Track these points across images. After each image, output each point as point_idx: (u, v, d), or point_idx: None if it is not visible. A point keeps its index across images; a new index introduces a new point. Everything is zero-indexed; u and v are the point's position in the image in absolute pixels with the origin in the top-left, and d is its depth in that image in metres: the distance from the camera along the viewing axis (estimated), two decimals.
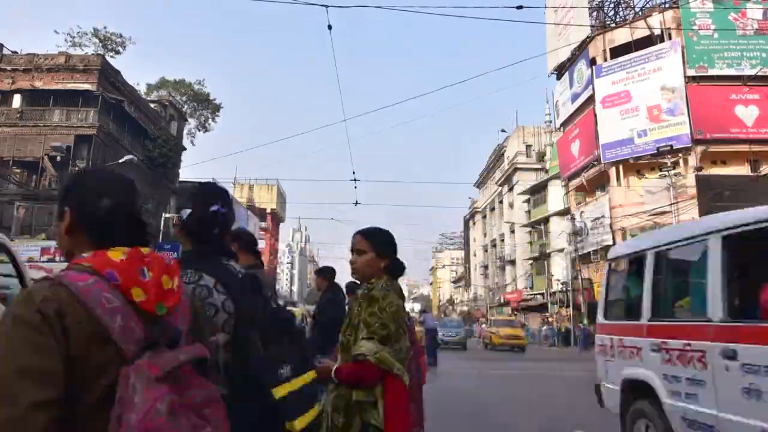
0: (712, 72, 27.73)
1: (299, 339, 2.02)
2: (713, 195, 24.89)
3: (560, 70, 36.11)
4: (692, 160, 27.21)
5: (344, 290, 5.61)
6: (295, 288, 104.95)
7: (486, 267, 60.22)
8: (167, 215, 27.54)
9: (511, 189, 48.75)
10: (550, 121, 46.14)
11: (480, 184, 65.69)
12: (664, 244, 4.22)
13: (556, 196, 39.45)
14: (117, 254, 1.05)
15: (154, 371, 0.95)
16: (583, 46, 32.73)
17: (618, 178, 29.94)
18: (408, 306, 13.58)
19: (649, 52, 29.01)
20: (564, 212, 36.64)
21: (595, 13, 33.75)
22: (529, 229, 44.29)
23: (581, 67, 32.95)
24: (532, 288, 43.00)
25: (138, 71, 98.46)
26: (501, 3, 33.51)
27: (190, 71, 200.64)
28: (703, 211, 25.58)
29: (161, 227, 27.13)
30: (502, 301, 51.36)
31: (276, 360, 1.70)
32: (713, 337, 3.33)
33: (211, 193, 1.74)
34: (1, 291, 4.90)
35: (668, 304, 4.28)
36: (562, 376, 14.78)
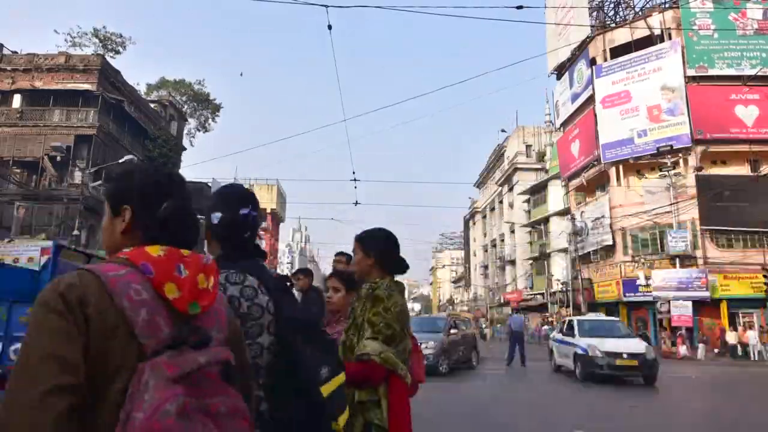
0: (712, 72, 27.73)
1: (329, 341, 2.02)
2: (713, 195, 24.91)
3: (560, 70, 36.10)
4: (692, 160, 27.21)
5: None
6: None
7: (486, 267, 60.21)
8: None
9: (511, 189, 48.74)
10: (550, 121, 46.14)
11: (480, 184, 65.68)
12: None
13: (556, 196, 39.44)
14: (155, 250, 1.03)
15: (171, 371, 0.91)
16: (583, 46, 32.73)
17: (618, 178, 29.94)
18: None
19: (649, 52, 29.01)
20: (564, 212, 36.63)
21: (595, 13, 33.76)
22: (529, 229, 44.28)
23: (581, 67, 32.95)
24: (532, 288, 42.99)
25: (138, 71, 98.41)
26: (501, 3, 33.50)
27: (190, 71, 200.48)
28: (703, 211, 25.64)
29: None
30: (502, 301, 51.36)
31: (316, 361, 1.70)
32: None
33: (241, 197, 1.73)
34: None
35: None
36: (562, 375, 14.76)
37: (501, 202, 53.12)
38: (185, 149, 39.20)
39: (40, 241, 24.76)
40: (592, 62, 31.60)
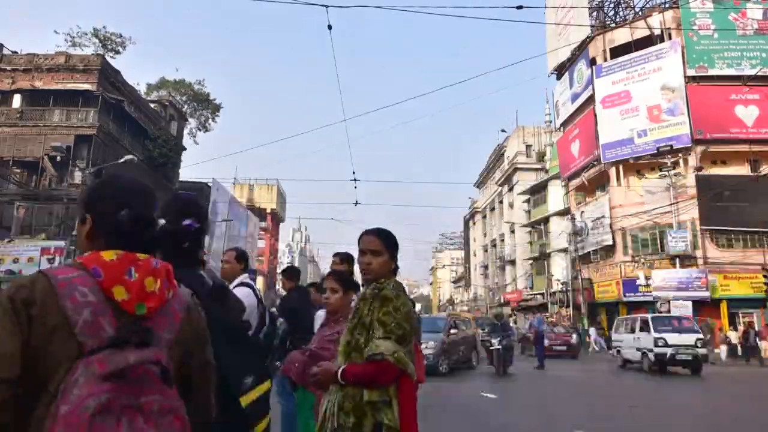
0: (712, 72, 27.73)
1: (258, 349, 2.03)
2: (713, 195, 24.91)
3: (560, 70, 36.10)
4: (692, 160, 27.21)
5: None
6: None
7: (486, 267, 60.19)
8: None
9: (511, 189, 48.72)
10: (550, 121, 46.12)
11: (480, 184, 65.66)
12: None
13: (556, 196, 39.42)
14: (109, 255, 1.11)
15: (101, 368, 0.97)
16: (583, 46, 32.72)
17: (618, 178, 29.94)
18: None
19: (649, 52, 29.00)
20: (564, 212, 36.62)
21: (595, 13, 33.75)
22: (529, 229, 44.26)
23: (581, 67, 32.94)
24: (532, 288, 42.97)
25: (138, 71, 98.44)
26: (501, 3, 33.53)
27: (190, 71, 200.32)
28: (703, 211, 25.64)
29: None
30: (502, 301, 51.35)
31: (242, 370, 1.71)
32: None
33: (185, 207, 1.72)
34: None
35: None
36: (562, 376, 14.77)
37: (501, 202, 53.10)
38: (185, 149, 39.20)
39: (40, 241, 24.73)
40: (592, 62, 31.59)
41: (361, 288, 2.48)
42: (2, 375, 0.96)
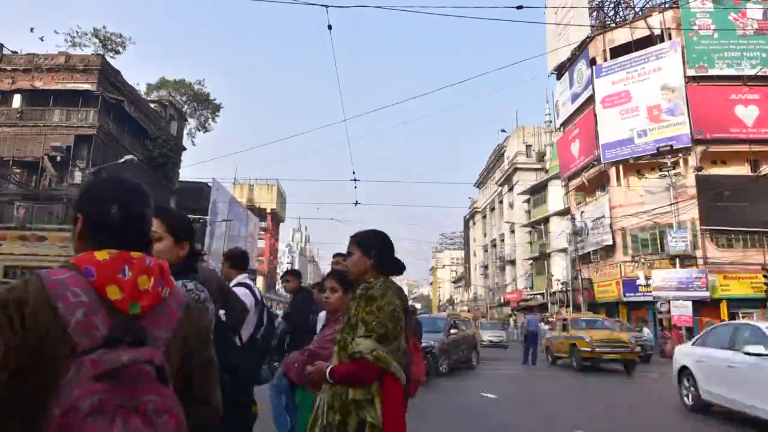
0: (712, 72, 27.72)
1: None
2: (713, 195, 24.91)
3: (560, 70, 36.09)
4: (692, 160, 27.21)
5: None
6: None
7: (486, 267, 60.20)
8: None
9: (511, 189, 48.72)
10: (550, 121, 46.12)
11: (480, 184, 65.66)
12: None
13: (556, 196, 39.43)
14: (102, 254, 1.10)
15: (94, 368, 0.97)
16: (583, 46, 32.72)
17: (618, 178, 29.94)
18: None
19: (649, 52, 29.00)
20: (564, 212, 36.62)
21: (595, 13, 33.74)
22: (529, 229, 44.26)
23: (581, 67, 32.94)
24: (532, 288, 42.98)
25: (138, 71, 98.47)
26: (501, 3, 33.52)
27: (190, 71, 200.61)
28: (703, 211, 25.64)
29: None
30: (502, 301, 51.36)
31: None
32: None
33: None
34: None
35: None
36: (562, 375, 14.77)
37: (501, 202, 53.11)
38: (185, 149, 39.21)
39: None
40: (592, 62, 31.59)
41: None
42: None
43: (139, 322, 1.09)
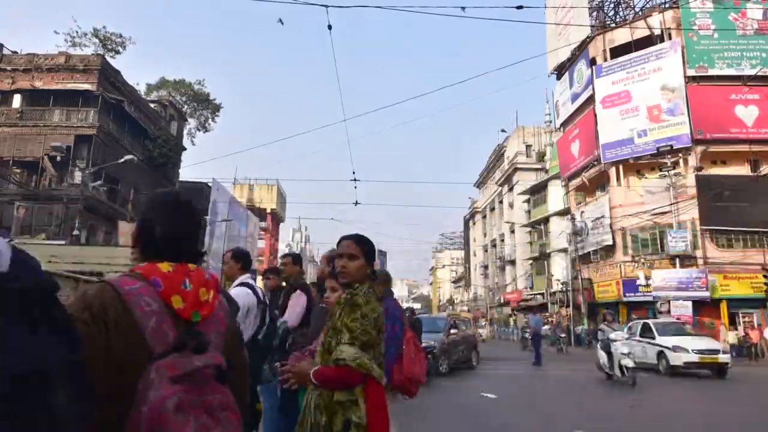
0: (712, 72, 27.72)
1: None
2: (713, 195, 24.91)
3: (560, 70, 36.09)
4: (692, 160, 27.21)
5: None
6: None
7: (486, 267, 60.20)
8: None
9: (511, 189, 48.72)
10: (550, 121, 46.11)
11: (480, 184, 65.66)
12: None
13: (556, 196, 39.43)
14: (165, 266, 1.23)
15: (172, 371, 1.09)
16: (583, 46, 32.72)
17: (618, 178, 29.94)
18: (406, 305, 13.65)
19: (649, 52, 29.00)
20: (564, 212, 36.62)
21: (595, 13, 33.75)
22: (529, 229, 44.26)
23: (581, 67, 32.94)
24: (532, 288, 42.98)
25: (138, 71, 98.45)
26: (501, 3, 33.50)
27: (190, 71, 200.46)
28: (703, 211, 25.64)
29: None
30: (502, 301, 51.35)
31: None
32: None
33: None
34: None
35: None
36: (562, 375, 14.77)
37: (501, 202, 53.11)
38: (185, 149, 39.20)
39: (40, 242, 24.76)
40: (592, 62, 31.59)
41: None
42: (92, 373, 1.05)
43: (198, 328, 1.22)
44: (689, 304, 24.06)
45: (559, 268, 36.91)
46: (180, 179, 37.33)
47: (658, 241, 27.52)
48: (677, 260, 25.70)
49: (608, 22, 33.31)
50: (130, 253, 1.40)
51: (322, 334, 2.24)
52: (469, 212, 69.95)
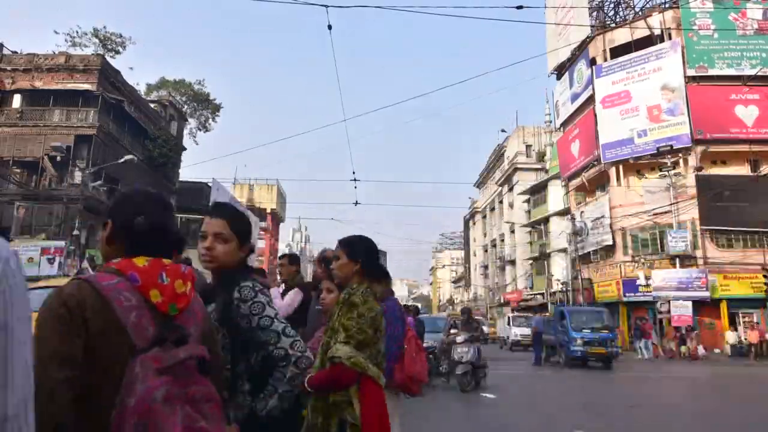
0: (712, 72, 27.72)
1: None
2: (713, 195, 24.91)
3: (560, 70, 36.09)
4: (692, 160, 27.21)
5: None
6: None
7: (486, 267, 60.19)
8: None
9: (511, 189, 48.72)
10: (550, 121, 46.11)
11: (480, 184, 65.65)
12: None
13: (556, 196, 39.42)
14: (141, 261, 1.23)
15: (156, 364, 1.10)
16: (583, 46, 32.72)
17: (618, 178, 29.94)
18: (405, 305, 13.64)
19: (649, 52, 29.00)
20: (564, 212, 36.62)
21: (595, 13, 33.75)
22: (529, 229, 44.26)
23: (581, 67, 32.94)
24: (532, 288, 42.97)
25: (138, 71, 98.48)
26: (501, 3, 33.50)
27: (190, 71, 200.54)
28: (703, 211, 25.64)
29: None
30: (502, 301, 51.33)
31: None
32: None
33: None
34: None
35: None
36: (562, 375, 14.77)
37: (501, 202, 53.11)
38: (185, 149, 39.18)
39: (40, 241, 24.73)
40: (592, 62, 31.59)
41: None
42: (67, 374, 1.06)
43: (176, 322, 1.23)
44: (689, 304, 24.05)
45: (559, 268, 36.91)
46: (180, 179, 37.32)
47: (658, 241, 27.52)
48: (677, 260, 25.70)
49: (608, 22, 33.31)
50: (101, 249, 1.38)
51: (322, 334, 2.25)
52: (469, 212, 69.95)
